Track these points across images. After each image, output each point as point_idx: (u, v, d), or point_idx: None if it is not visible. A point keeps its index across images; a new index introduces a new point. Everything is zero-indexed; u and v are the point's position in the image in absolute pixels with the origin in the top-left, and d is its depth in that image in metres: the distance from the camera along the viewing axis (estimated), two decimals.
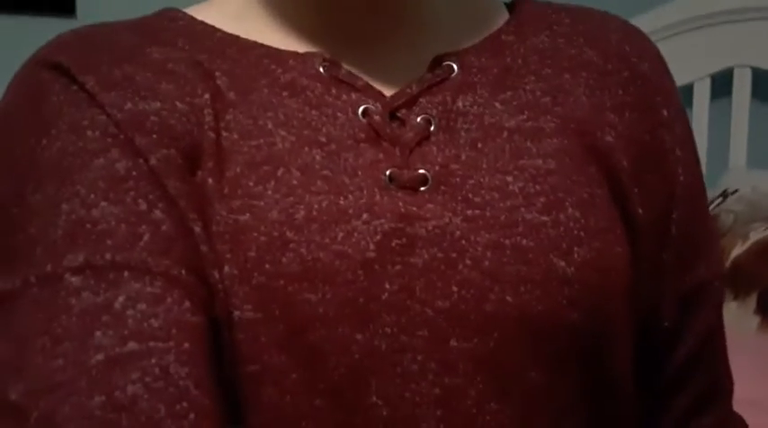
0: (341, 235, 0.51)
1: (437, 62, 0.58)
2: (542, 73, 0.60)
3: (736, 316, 1.34)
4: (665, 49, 0.67)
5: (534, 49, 0.61)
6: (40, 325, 0.47)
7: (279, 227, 0.51)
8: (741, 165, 1.73)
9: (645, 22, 1.49)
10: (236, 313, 0.50)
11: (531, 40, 0.61)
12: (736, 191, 1.55)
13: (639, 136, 0.60)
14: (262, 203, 0.52)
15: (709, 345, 0.63)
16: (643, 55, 0.63)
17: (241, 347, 0.50)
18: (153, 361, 0.46)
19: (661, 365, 0.62)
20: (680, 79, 0.66)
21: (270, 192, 0.52)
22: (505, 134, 0.56)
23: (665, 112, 0.62)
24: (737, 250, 1.38)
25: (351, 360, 0.50)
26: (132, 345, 0.46)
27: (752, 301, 1.37)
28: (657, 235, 0.60)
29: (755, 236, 1.43)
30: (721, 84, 1.77)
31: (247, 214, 0.51)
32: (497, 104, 0.58)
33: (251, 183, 0.52)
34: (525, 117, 0.58)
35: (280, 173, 0.53)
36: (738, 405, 0.65)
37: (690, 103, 1.75)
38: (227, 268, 0.50)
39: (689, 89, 1.77)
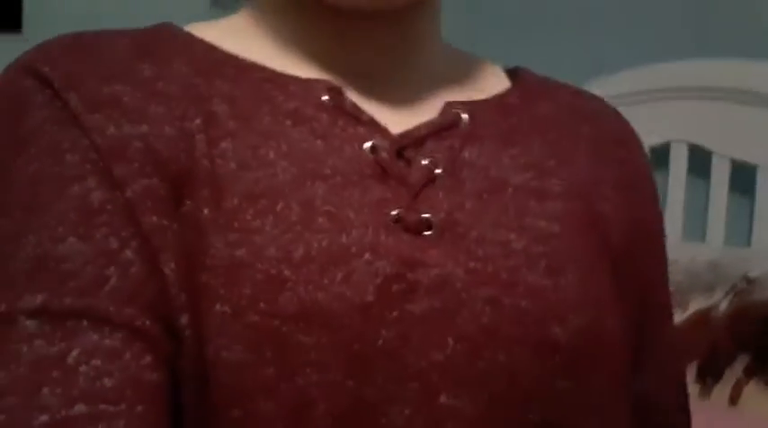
0: (340, 275, 0.49)
1: (447, 109, 0.57)
2: (547, 137, 0.60)
3: None
4: None
5: (538, 116, 0.61)
6: None
7: (276, 264, 0.49)
8: (677, 237, 1.76)
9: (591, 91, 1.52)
10: (224, 353, 0.47)
11: (535, 107, 0.61)
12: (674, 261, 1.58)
13: (631, 216, 0.61)
14: (259, 239, 0.49)
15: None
16: (631, 142, 0.65)
17: (226, 390, 0.47)
18: (100, 426, 0.43)
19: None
20: None
21: (268, 228, 0.50)
22: (510, 190, 0.56)
23: (652, 198, 0.64)
24: (677, 319, 1.40)
25: (339, 408, 0.48)
26: (80, 408, 0.43)
27: (692, 370, 1.38)
28: (646, 311, 0.62)
29: (694, 306, 1.45)
30: (659, 158, 1.81)
31: (243, 249, 0.49)
32: (504, 159, 0.57)
33: (248, 217, 0.50)
34: (531, 176, 0.57)
35: (279, 207, 0.50)
36: None
37: None
38: (218, 305, 0.48)
39: None
